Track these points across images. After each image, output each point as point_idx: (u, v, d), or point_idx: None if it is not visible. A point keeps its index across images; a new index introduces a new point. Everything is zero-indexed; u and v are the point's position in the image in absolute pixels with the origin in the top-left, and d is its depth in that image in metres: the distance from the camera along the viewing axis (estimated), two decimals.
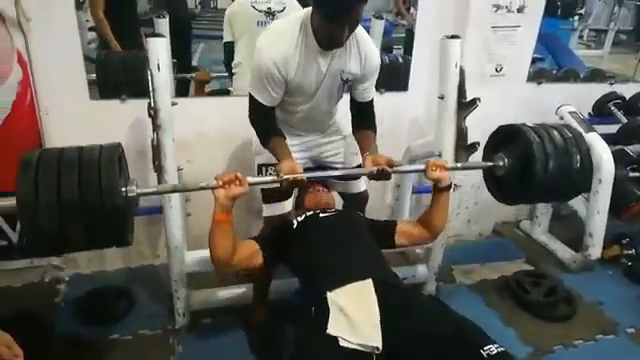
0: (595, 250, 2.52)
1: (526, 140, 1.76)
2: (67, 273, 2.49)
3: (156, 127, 1.80)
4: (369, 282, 1.45)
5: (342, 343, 1.30)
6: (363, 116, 1.90)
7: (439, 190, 1.77)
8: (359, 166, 1.95)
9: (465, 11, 2.40)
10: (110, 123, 2.21)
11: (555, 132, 1.81)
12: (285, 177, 1.62)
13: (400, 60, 2.71)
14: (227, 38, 2.56)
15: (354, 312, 1.36)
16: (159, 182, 1.85)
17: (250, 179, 1.55)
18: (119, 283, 2.42)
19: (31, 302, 2.27)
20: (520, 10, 2.42)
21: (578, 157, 1.78)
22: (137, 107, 2.05)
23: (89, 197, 1.32)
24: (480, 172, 2.67)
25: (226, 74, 2.65)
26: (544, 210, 2.93)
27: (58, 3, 2.01)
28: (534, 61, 3.40)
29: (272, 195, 1.95)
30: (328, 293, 1.43)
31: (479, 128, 2.13)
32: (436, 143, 2.19)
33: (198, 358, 2.02)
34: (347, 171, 1.96)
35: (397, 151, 2.58)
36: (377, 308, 1.37)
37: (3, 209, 1.45)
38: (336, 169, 2.03)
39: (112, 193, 1.35)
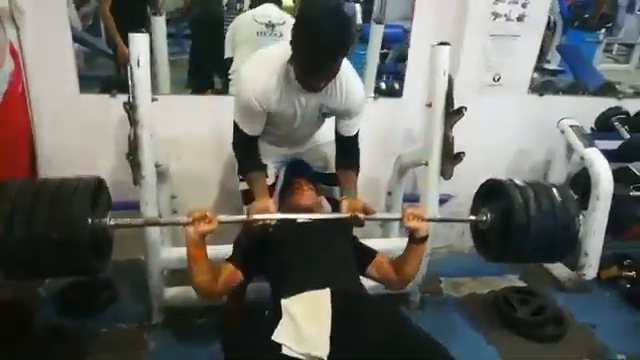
0: (590, 270, 2.43)
1: (509, 199, 1.67)
2: None
3: (134, 122, 1.81)
4: (327, 291, 1.42)
5: (284, 351, 1.28)
6: (346, 152, 1.88)
7: (414, 240, 1.70)
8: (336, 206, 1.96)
9: (463, 18, 2.35)
10: (99, 118, 2.24)
11: (543, 194, 1.69)
12: (255, 218, 1.63)
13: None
14: (228, 54, 2.62)
15: (304, 321, 1.34)
16: (134, 180, 1.86)
17: (220, 217, 1.56)
18: (104, 276, 2.44)
19: (15, 291, 2.31)
20: (520, 19, 2.36)
21: (564, 223, 1.66)
22: None
23: (55, 231, 1.35)
24: (475, 183, 2.62)
25: None
26: None
27: None
28: (555, 73, 3.35)
29: (253, 197, 1.94)
30: (283, 299, 1.41)
31: (475, 137, 2.08)
32: (424, 152, 2.15)
33: (168, 355, 2.02)
34: (319, 216, 1.87)
35: (389, 158, 2.54)
36: (330, 318, 1.34)
37: None
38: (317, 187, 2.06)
39: (76, 227, 1.37)
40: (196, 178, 2.51)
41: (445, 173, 2.09)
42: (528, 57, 2.52)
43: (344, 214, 1.72)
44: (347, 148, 1.87)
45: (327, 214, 1.95)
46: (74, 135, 2.26)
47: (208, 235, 1.53)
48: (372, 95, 2.61)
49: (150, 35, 2.22)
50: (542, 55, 2.85)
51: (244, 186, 1.94)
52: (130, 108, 1.76)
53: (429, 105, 2.07)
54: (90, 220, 1.41)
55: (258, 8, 2.57)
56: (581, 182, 2.53)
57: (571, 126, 2.50)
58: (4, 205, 1.35)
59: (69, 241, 1.37)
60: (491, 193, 1.79)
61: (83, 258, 1.43)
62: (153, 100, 1.88)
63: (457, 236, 2.87)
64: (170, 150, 2.28)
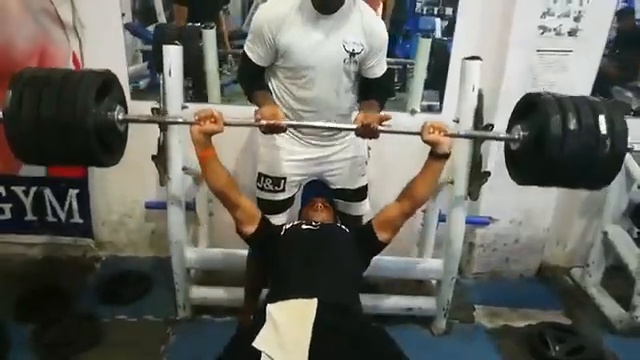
0: None
1: (544, 112, 1.50)
2: (105, 253, 2.75)
3: (163, 128, 1.94)
4: (314, 302, 1.40)
5: (263, 358, 1.28)
6: (372, 89, 1.85)
7: (433, 156, 1.64)
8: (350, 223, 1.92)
9: (507, 32, 2.23)
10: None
11: (586, 107, 1.49)
12: (263, 122, 1.63)
13: None
14: None
15: (286, 329, 1.34)
16: (160, 180, 1.98)
17: (226, 119, 1.59)
18: (144, 269, 2.61)
19: (67, 276, 2.55)
20: (572, 34, 2.19)
21: (607, 141, 1.45)
22: None
23: (63, 114, 1.40)
24: (521, 208, 2.45)
25: None
26: (598, 258, 2.57)
27: (109, 14, 2.27)
28: None
29: (267, 208, 1.97)
30: (269, 305, 1.43)
31: None
32: (450, 170, 2.05)
33: (186, 350, 2.11)
34: (331, 124, 1.79)
35: None
36: (311, 329, 1.33)
37: None
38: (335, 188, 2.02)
39: (83, 113, 1.41)
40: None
41: (472, 193, 1.99)
42: (584, 74, 2.32)
43: (356, 125, 1.66)
44: (374, 85, 1.84)
45: (339, 124, 1.82)
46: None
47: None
48: (417, 109, 2.54)
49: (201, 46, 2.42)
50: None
51: (259, 194, 1.99)
52: (157, 114, 1.88)
53: (456, 121, 1.98)
54: (95, 109, 1.45)
55: None
56: None
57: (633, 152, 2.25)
58: (16, 87, 1.42)
59: (73, 125, 1.41)
60: (528, 109, 1.62)
61: (87, 145, 1.46)
62: (183, 108, 2.00)
63: (500, 261, 2.69)
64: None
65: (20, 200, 2.62)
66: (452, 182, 2.04)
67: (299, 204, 2.10)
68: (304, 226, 1.81)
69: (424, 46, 2.64)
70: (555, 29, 2.18)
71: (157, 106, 1.88)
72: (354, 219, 2.13)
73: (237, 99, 2.42)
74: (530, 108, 1.61)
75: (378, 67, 1.80)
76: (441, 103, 2.48)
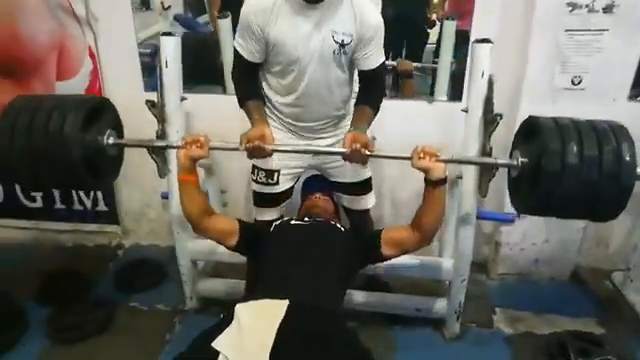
0: None
1: (542, 142, 1.41)
2: (128, 242, 2.84)
3: (161, 120, 1.93)
4: (284, 303, 1.35)
5: (220, 359, 1.24)
6: (366, 87, 1.75)
7: (429, 183, 1.53)
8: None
9: (531, 11, 2.01)
10: None
11: (590, 136, 1.38)
12: (247, 146, 1.59)
13: None
14: None
15: (250, 330, 1.29)
16: (159, 173, 1.98)
17: (212, 144, 1.59)
18: (162, 259, 2.66)
19: (90, 262, 2.66)
20: (607, 10, 1.93)
21: (612, 176, 1.34)
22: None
23: (50, 145, 1.50)
24: None
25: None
26: None
27: (119, 6, 2.29)
28: None
29: (262, 200, 1.94)
30: (238, 304, 1.38)
31: None
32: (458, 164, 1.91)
33: (189, 340, 2.10)
34: (318, 149, 1.80)
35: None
36: (275, 331, 1.27)
37: None
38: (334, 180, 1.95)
39: (69, 144, 1.50)
40: (246, 172, 2.57)
41: (481, 189, 1.83)
42: (623, 57, 2.06)
43: (344, 149, 1.60)
44: (368, 83, 1.74)
45: (326, 148, 1.80)
46: (138, 128, 2.49)
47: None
48: (444, 98, 2.38)
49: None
50: None
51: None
52: (152, 106, 1.88)
53: (465, 110, 1.83)
54: (81, 138, 1.52)
55: None
56: None
57: None
58: (7, 118, 1.52)
59: (59, 154, 1.50)
60: (529, 133, 1.52)
61: (74, 172, 1.56)
62: (182, 100, 1.99)
63: (528, 262, 2.49)
64: None
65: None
66: (461, 177, 1.89)
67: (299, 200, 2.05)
68: (293, 222, 1.75)
69: (448, 29, 2.47)
70: (587, 5, 1.94)
71: (152, 99, 1.89)
72: (359, 214, 2.04)
73: None
74: (532, 131, 1.49)
75: (372, 58, 1.68)
76: (461, 91, 2.30)
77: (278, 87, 1.75)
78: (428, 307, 2.13)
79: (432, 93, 2.41)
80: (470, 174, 1.85)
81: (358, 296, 2.14)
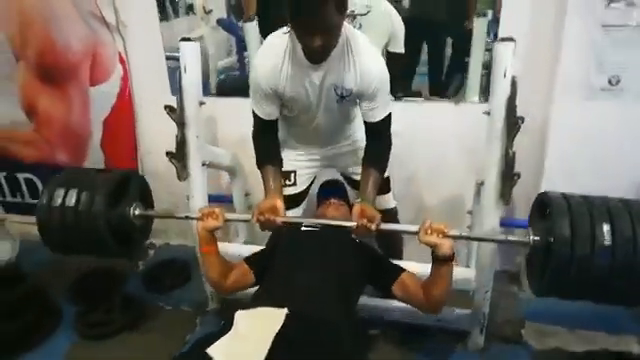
0: None
1: (551, 227, 1.35)
2: (159, 241, 2.92)
3: (179, 124, 1.96)
4: (283, 312, 1.34)
5: None
6: (371, 143, 1.75)
7: (435, 260, 1.49)
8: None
9: (563, 5, 1.89)
10: None
11: (603, 219, 1.30)
12: (258, 218, 1.64)
13: None
14: None
15: (246, 337, 1.30)
16: (179, 176, 2.01)
17: (227, 215, 1.69)
18: (189, 259, 2.70)
19: (122, 261, 2.73)
20: None
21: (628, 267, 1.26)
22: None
23: (80, 221, 1.68)
24: None
25: None
26: None
27: (146, 13, 2.35)
28: None
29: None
30: (239, 311, 1.39)
31: (581, 154, 1.87)
32: (481, 169, 1.81)
33: None
34: (324, 221, 1.78)
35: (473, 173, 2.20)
36: (271, 341, 1.26)
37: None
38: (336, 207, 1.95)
39: (97, 219, 1.68)
40: None
41: (504, 195, 1.73)
42: None
43: (351, 222, 1.59)
44: (373, 137, 1.74)
45: (333, 220, 1.79)
46: (167, 130, 2.56)
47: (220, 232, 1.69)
48: (476, 99, 2.29)
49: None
50: None
51: None
52: (170, 111, 1.91)
53: (487, 113, 1.74)
54: (108, 213, 1.69)
55: None
56: None
57: None
58: (49, 190, 1.72)
59: (88, 229, 1.67)
60: (543, 209, 1.46)
61: (103, 244, 1.71)
62: (201, 104, 2.01)
63: None
64: (240, 149, 2.38)
65: None
66: (482, 183, 1.80)
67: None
68: (304, 228, 1.74)
69: (480, 25, 2.37)
70: None
71: (171, 104, 1.93)
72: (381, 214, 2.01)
73: None
74: (545, 208, 1.44)
75: (377, 110, 1.66)
76: (487, 92, 2.18)
77: (290, 131, 1.91)
78: (451, 318, 2.04)
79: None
80: (492, 178, 1.75)
81: (380, 303, 2.09)
